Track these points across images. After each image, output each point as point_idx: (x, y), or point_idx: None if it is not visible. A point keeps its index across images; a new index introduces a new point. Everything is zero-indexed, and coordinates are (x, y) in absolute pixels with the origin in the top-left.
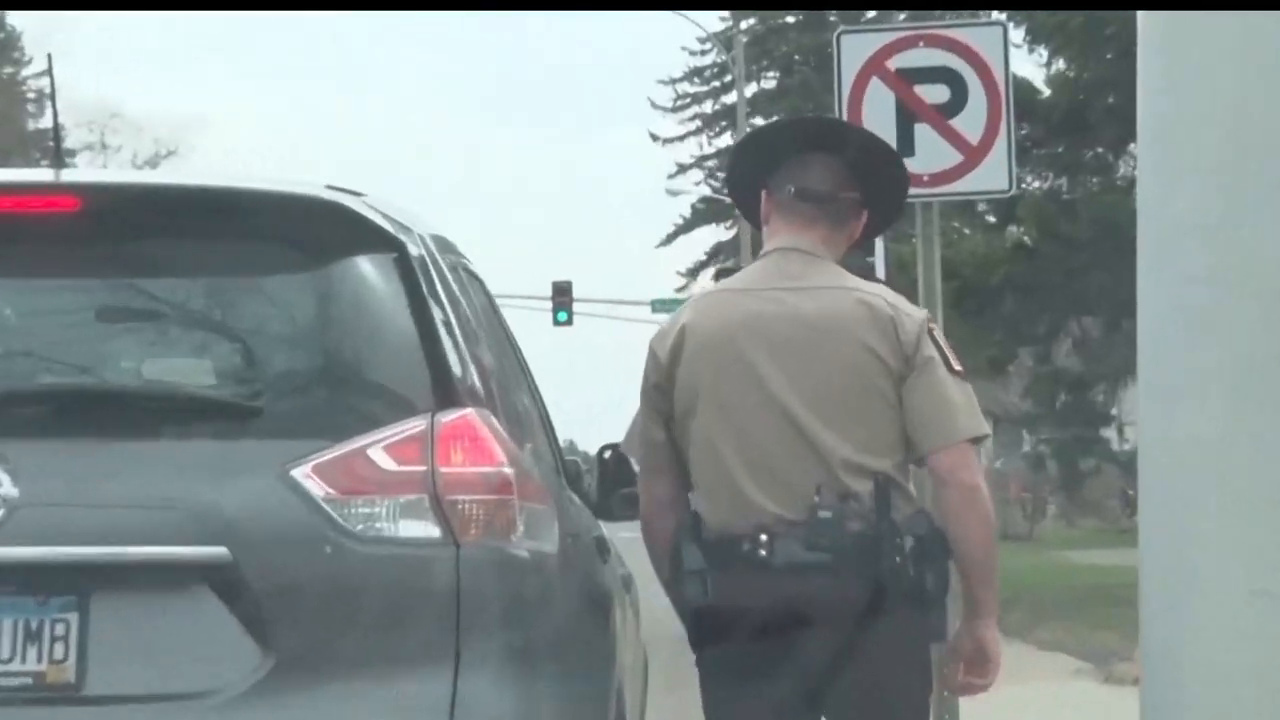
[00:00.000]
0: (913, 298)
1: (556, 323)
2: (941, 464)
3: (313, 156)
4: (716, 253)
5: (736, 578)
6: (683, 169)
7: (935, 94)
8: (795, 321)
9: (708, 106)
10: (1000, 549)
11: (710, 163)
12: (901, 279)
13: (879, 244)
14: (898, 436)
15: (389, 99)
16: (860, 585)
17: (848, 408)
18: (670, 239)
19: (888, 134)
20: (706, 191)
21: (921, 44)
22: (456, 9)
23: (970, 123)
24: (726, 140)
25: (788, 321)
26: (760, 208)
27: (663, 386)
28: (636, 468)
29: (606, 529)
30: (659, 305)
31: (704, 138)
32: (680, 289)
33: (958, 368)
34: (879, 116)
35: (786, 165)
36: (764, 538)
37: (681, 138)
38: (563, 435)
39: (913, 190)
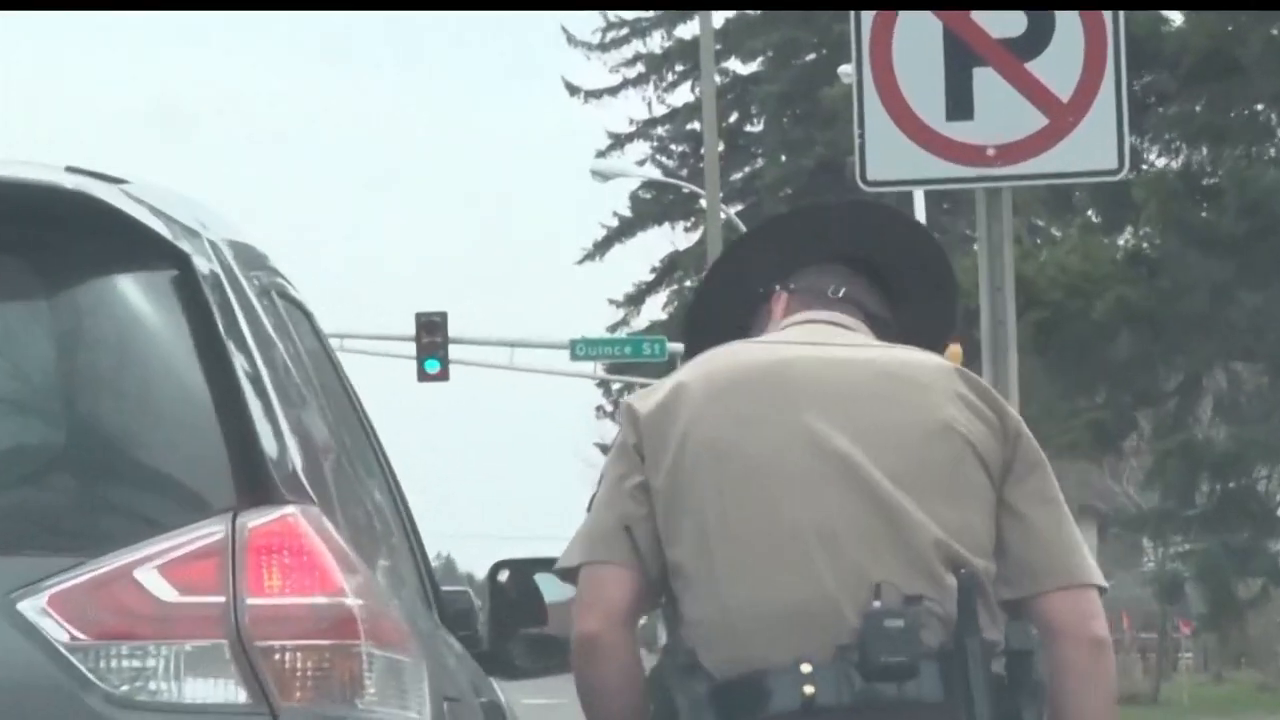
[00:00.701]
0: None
1: (424, 375)
2: (1063, 609)
3: (42, 131)
4: (672, 268)
5: None
6: (618, 141)
7: (1005, 24)
8: (859, 366)
9: (655, 41)
10: None
11: (660, 130)
12: None
13: None
14: (989, 541)
15: (151, 47)
16: None
17: (936, 481)
18: (599, 250)
19: (930, 83)
20: (656, 174)
21: None
22: None
23: (1059, 68)
24: (685, 96)
25: (847, 365)
26: (758, 309)
27: (642, 449)
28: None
29: (503, 691)
30: (582, 349)
31: (650, 90)
32: (614, 326)
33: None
34: (917, 58)
35: (821, 270)
36: (806, 669)
37: (615, 90)
38: (435, 549)
39: (974, 170)
